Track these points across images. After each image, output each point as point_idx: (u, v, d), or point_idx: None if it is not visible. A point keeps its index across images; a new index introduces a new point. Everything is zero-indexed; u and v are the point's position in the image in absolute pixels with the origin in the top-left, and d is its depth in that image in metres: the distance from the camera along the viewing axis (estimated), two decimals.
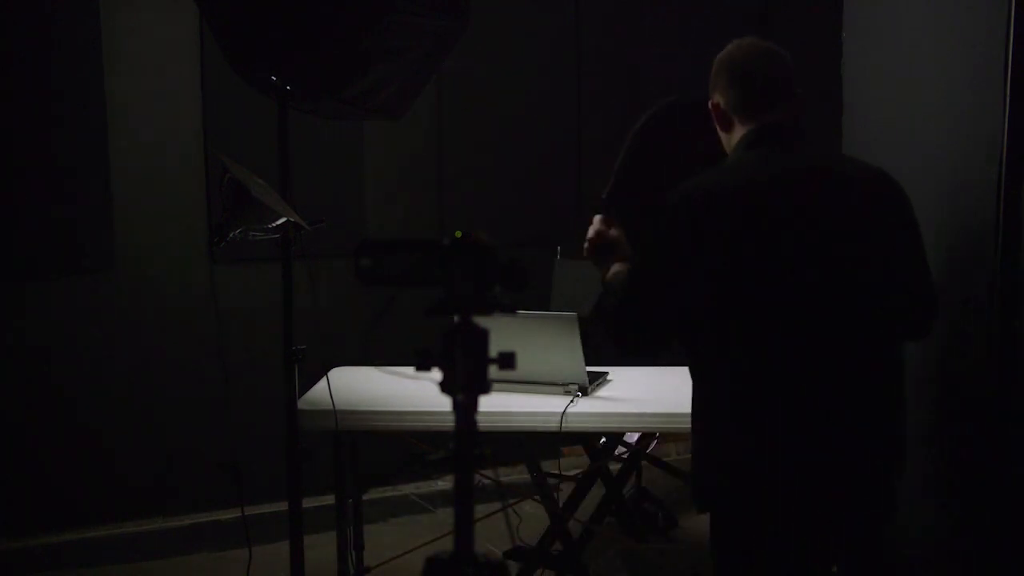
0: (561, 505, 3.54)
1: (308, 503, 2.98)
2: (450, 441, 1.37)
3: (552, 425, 2.94)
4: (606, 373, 3.30)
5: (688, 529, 4.09)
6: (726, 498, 2.08)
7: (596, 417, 3.00)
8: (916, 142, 2.76)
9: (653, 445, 3.83)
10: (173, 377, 4.21)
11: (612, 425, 3.10)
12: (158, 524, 4.21)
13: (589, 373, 3.10)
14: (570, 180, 4.91)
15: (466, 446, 1.36)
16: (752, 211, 2.02)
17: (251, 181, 2.66)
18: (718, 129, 2.23)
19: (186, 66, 4.18)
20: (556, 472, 3.82)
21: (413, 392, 3.17)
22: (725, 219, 2.01)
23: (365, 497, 3.57)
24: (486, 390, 1.36)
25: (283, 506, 2.88)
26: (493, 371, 1.36)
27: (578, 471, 4.09)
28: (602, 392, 3.17)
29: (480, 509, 1.53)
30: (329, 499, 3.46)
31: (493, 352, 1.36)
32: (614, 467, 3.73)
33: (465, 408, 1.36)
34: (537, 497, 3.54)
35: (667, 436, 4.64)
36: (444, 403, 1.36)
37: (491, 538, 3.39)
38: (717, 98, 2.20)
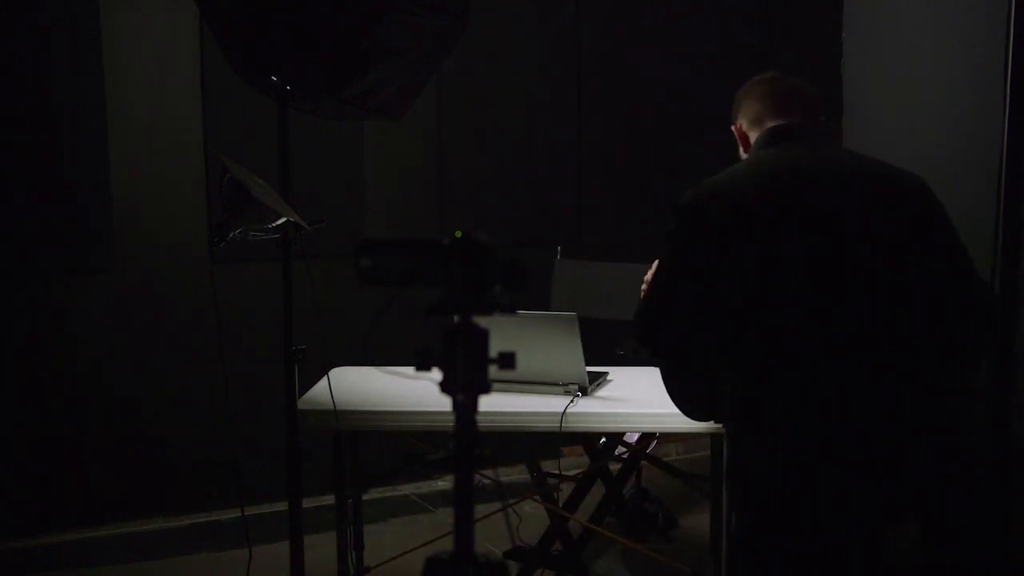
0: (561, 505, 3.54)
1: (308, 503, 2.98)
2: (450, 441, 1.37)
3: (552, 425, 2.94)
4: (606, 373, 3.30)
5: (688, 529, 4.09)
6: (775, 493, 2.07)
7: (596, 417, 3.00)
8: (916, 142, 2.76)
9: (653, 445, 3.83)
10: (173, 377, 4.22)
11: (612, 425, 3.10)
12: (158, 524, 4.22)
13: (589, 373, 3.10)
14: (570, 180, 4.91)
15: (466, 446, 1.36)
16: (765, 207, 2.03)
17: (251, 181, 2.66)
18: (741, 152, 2.32)
19: (186, 66, 4.18)
20: (556, 472, 3.82)
21: (413, 392, 3.16)
22: (735, 215, 2.02)
23: (365, 497, 3.57)
24: (486, 390, 1.36)
25: (283, 506, 2.87)
26: (493, 371, 1.36)
27: (578, 471, 4.09)
28: (602, 392, 3.17)
29: (480, 509, 1.53)
30: (329, 499, 3.46)
31: (493, 352, 1.36)
32: (614, 467, 3.72)
33: (465, 408, 1.36)
34: (537, 497, 3.54)
35: (667, 436, 4.64)
36: (444, 403, 1.36)
37: (491, 538, 3.39)
38: (739, 119, 2.30)
